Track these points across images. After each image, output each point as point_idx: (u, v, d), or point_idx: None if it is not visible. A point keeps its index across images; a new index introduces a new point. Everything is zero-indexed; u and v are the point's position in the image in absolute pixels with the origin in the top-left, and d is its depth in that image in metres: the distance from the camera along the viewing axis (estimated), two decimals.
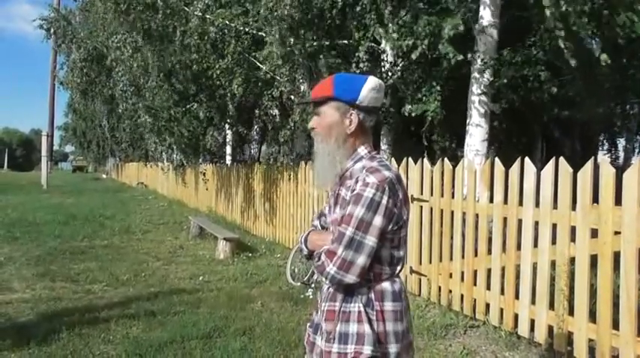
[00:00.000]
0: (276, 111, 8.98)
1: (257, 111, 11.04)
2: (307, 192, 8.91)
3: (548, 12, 4.49)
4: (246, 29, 7.47)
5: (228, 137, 15.52)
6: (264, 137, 13.94)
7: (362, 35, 6.28)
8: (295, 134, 8.89)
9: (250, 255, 8.88)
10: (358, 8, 6.02)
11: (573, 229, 4.17)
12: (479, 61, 5.90)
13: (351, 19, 6.48)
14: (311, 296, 5.96)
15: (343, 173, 1.89)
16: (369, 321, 1.77)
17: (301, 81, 8.86)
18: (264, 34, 7.66)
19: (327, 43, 6.81)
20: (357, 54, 6.32)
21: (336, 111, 1.87)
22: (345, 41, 7.29)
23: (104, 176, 43.79)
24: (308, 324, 2.07)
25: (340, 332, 1.80)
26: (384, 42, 6.88)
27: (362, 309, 1.78)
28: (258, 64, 7.77)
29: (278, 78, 7.60)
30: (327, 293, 1.88)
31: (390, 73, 7.32)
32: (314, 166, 1.97)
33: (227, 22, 7.60)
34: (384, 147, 8.32)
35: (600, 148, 20.21)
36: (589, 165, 4.09)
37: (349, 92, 1.87)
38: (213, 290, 6.48)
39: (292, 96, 8.18)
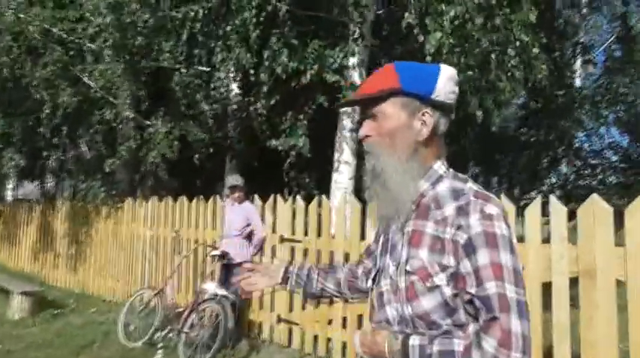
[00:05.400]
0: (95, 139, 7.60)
1: (58, 139, 9.25)
2: (134, 232, 7.66)
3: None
4: (74, 38, 6.17)
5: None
6: (63, 168, 11.86)
7: (225, 57, 5.67)
8: (120, 164, 7.62)
9: (57, 311, 7.17)
10: (228, 27, 5.39)
11: None
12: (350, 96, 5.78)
13: (214, 38, 5.81)
14: None
15: (419, 199, 1.35)
16: None
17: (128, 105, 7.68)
18: (93, 47, 6.46)
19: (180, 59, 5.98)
20: (217, 75, 5.66)
21: (402, 111, 1.34)
22: (203, 67, 6.53)
23: None
24: None
25: None
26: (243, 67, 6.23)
27: None
28: (85, 79, 6.46)
29: (111, 99, 6.42)
30: None
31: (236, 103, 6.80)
32: (373, 190, 1.36)
33: (46, 25, 6.17)
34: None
35: None
36: (538, 203, 3.99)
37: (421, 83, 1.35)
38: None
39: (124, 121, 7.01)
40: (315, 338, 5.18)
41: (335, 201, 5.65)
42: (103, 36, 5.73)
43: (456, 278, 1.24)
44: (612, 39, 10.32)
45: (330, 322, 5.08)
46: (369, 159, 1.37)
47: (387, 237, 1.42)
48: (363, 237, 4.86)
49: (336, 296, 1.74)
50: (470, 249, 1.22)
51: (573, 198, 9.36)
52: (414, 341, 1.24)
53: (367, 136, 1.38)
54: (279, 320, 5.50)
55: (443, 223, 1.28)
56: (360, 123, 1.46)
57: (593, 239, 3.34)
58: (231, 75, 6.37)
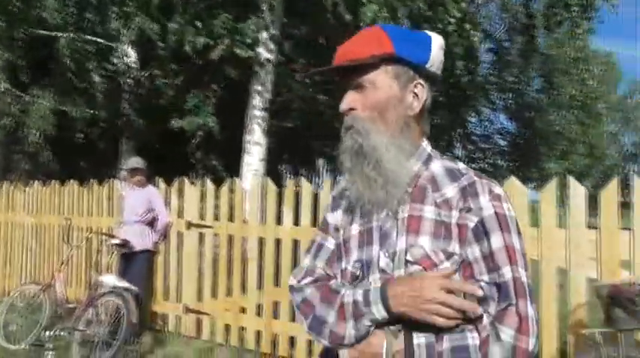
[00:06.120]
0: None
1: None
2: (13, 220, 6.80)
3: None
4: None
5: None
6: None
7: (124, 24, 5.04)
8: None
9: None
10: None
11: None
12: (262, 73, 5.49)
13: (109, 2, 5.12)
14: None
15: (414, 181, 1.19)
16: None
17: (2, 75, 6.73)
18: None
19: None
20: (114, 45, 5.00)
21: (394, 81, 1.18)
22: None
23: None
24: None
25: None
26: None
27: None
28: None
29: None
30: None
31: (135, 78, 6.20)
32: (361, 172, 1.17)
33: None
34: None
35: None
36: None
37: (416, 50, 1.19)
38: None
39: None
40: (227, 327, 4.92)
41: (247, 184, 5.37)
42: None
43: (462, 265, 1.12)
44: (502, 29, 11.07)
45: (243, 310, 4.85)
46: (351, 135, 1.18)
47: (370, 226, 1.22)
48: (279, 221, 4.66)
49: None
50: (481, 232, 1.12)
51: None
52: (419, 338, 1.09)
53: (351, 109, 1.19)
54: (187, 310, 5.15)
55: (446, 206, 1.14)
56: (341, 95, 1.23)
57: None
58: (129, 47, 5.75)
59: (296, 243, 4.57)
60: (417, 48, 1.20)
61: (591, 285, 3.25)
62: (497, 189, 1.16)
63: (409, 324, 1.11)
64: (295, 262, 4.56)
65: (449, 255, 1.12)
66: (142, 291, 4.96)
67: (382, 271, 1.16)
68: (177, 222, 5.29)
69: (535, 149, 12.30)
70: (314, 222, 4.47)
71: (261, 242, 4.76)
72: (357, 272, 1.21)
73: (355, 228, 1.25)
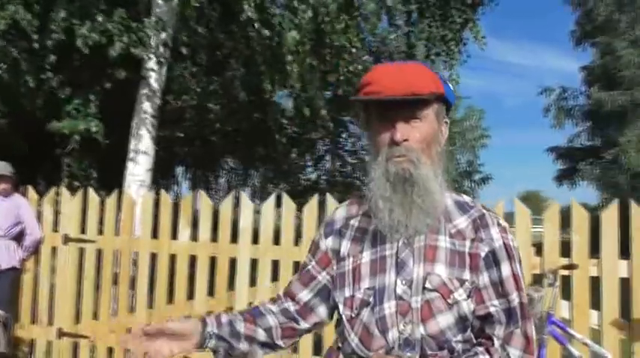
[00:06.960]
0: None
1: None
2: None
3: None
4: None
5: None
6: None
7: None
8: None
9: None
10: None
11: (296, 264, 4.20)
12: (152, 80, 5.15)
13: None
14: None
15: None
16: None
17: None
18: None
19: None
20: None
21: (436, 118, 1.30)
22: None
23: None
24: None
25: None
26: None
27: None
28: None
29: None
30: None
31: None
32: (408, 199, 1.23)
33: None
34: None
35: None
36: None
37: (450, 92, 1.36)
38: None
39: None
40: (110, 351, 4.54)
41: (134, 195, 5.03)
42: None
43: (474, 291, 1.23)
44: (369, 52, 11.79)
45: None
46: (402, 163, 1.23)
47: (383, 255, 1.28)
48: (174, 236, 4.46)
49: (267, 349, 1.39)
50: (491, 261, 1.24)
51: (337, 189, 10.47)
52: None
53: (405, 140, 1.24)
54: (61, 334, 4.65)
55: (459, 236, 1.26)
56: (390, 125, 1.25)
57: None
58: None
59: (194, 259, 4.41)
60: (449, 90, 1.35)
61: None
62: (503, 222, 1.30)
63: (415, 352, 1.19)
64: (192, 279, 4.40)
65: (462, 282, 1.22)
66: (11, 315, 4.38)
67: (399, 298, 1.22)
68: (52, 236, 4.77)
69: None
70: (214, 236, 4.36)
71: (153, 257, 4.50)
72: (369, 300, 1.25)
73: (366, 256, 1.30)
